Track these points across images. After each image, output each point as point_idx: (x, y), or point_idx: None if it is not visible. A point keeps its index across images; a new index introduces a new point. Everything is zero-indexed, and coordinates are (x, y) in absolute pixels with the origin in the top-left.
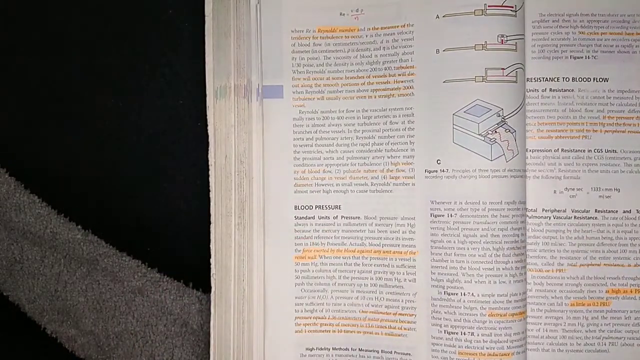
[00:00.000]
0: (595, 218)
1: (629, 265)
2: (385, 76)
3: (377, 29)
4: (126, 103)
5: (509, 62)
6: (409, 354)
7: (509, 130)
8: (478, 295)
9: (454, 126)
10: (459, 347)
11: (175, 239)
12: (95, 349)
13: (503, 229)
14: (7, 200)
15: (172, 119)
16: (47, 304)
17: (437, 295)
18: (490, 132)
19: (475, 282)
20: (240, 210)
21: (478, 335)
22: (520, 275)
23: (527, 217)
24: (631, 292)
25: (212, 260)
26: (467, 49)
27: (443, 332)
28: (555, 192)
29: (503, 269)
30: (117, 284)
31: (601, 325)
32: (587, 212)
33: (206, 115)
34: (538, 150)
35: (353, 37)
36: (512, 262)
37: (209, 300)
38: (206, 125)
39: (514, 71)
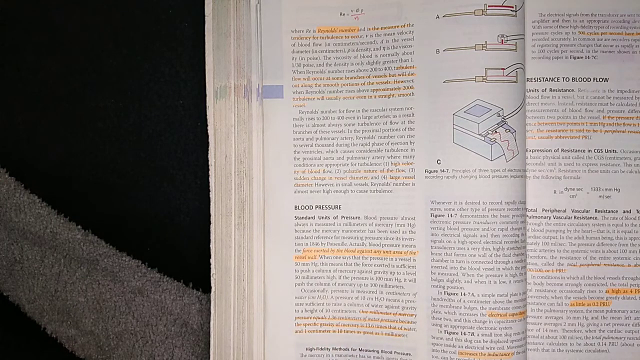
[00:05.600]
0: (595, 218)
1: (629, 265)
2: (386, 76)
3: (377, 29)
4: (126, 103)
5: (509, 62)
6: (409, 354)
7: (509, 130)
8: (478, 295)
9: (454, 126)
10: (459, 347)
11: (175, 239)
12: (95, 349)
13: (503, 229)
14: (7, 200)
15: (172, 119)
16: (47, 304)
17: (437, 295)
18: (490, 132)
19: (475, 282)
20: (240, 210)
21: (478, 335)
22: (520, 275)
23: (527, 217)
24: (631, 292)
25: (212, 260)
26: (467, 49)
27: (443, 332)
28: (555, 192)
29: (503, 269)
30: (117, 284)
31: (601, 325)
32: (587, 212)
33: (206, 115)
34: (538, 150)
35: (353, 37)
36: (512, 262)
37: (209, 300)
38: (206, 125)
39: (514, 71)
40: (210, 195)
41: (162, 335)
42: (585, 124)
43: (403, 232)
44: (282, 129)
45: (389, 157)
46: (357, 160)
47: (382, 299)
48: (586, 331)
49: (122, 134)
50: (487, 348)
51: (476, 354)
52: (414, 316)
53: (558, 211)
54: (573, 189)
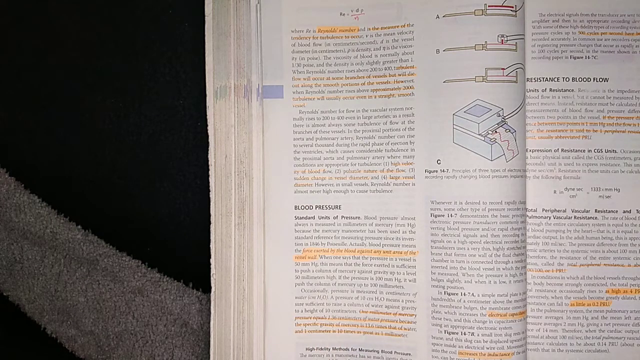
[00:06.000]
0: (595, 218)
1: (629, 265)
2: (386, 76)
3: (377, 29)
4: (126, 103)
5: (509, 62)
6: (409, 354)
7: (509, 130)
8: (478, 295)
9: (454, 126)
10: (459, 347)
11: (175, 239)
12: (95, 349)
13: (503, 229)
14: (7, 200)
15: (172, 119)
16: (47, 304)
17: (437, 295)
18: (490, 132)
19: (475, 282)
20: (240, 210)
21: (478, 335)
22: (520, 275)
23: (527, 217)
24: (631, 292)
25: (212, 260)
26: (467, 49)
27: (443, 332)
28: (555, 192)
29: (503, 269)
30: (117, 284)
31: (601, 325)
32: (587, 212)
33: (206, 115)
34: (538, 150)
35: (353, 37)
36: (512, 262)
37: (209, 300)
38: (206, 125)
39: (514, 71)
40: (210, 195)
41: (162, 335)
42: (585, 124)
43: (403, 232)
44: (282, 129)
45: (389, 157)
46: (357, 160)
47: (382, 299)
48: (586, 331)
49: (122, 134)
50: (487, 348)
51: (476, 354)
52: (414, 316)
53: (558, 211)
54: (573, 189)
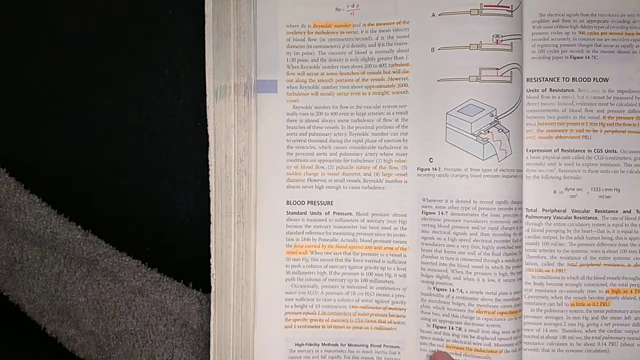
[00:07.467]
0: (595, 218)
1: (629, 265)
2: (380, 73)
3: (372, 25)
4: (126, 103)
5: (503, 62)
6: (398, 347)
7: (502, 130)
8: (466, 292)
9: (447, 125)
10: (446, 340)
11: (175, 239)
12: (95, 349)
13: (493, 228)
14: (7, 200)
15: (172, 119)
16: (47, 304)
17: (427, 291)
18: (482, 131)
19: (464, 279)
20: (240, 210)
21: (465, 330)
22: (511, 274)
23: (527, 217)
24: (631, 292)
25: (212, 260)
26: (461, 49)
27: (432, 325)
28: (555, 192)
29: (492, 267)
30: (117, 284)
31: (601, 325)
32: (587, 212)
33: (206, 115)
34: (538, 150)
35: (348, 32)
36: (502, 261)
37: (209, 300)
38: (206, 125)
39: (509, 71)
40: (210, 195)
41: (162, 335)
42: (585, 124)
43: (394, 229)
44: (276, 123)
45: (381, 154)
46: (350, 156)
47: (372, 294)
48: (586, 331)
49: (122, 134)
50: (474, 343)
51: (463, 348)
52: (403, 310)
53: (558, 211)
54: (573, 189)
